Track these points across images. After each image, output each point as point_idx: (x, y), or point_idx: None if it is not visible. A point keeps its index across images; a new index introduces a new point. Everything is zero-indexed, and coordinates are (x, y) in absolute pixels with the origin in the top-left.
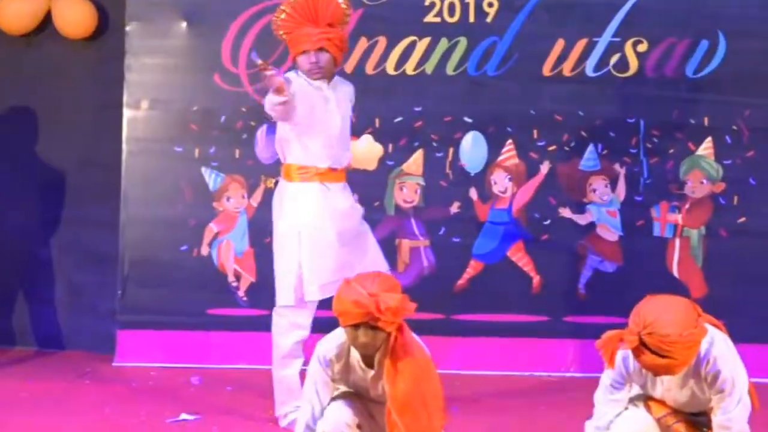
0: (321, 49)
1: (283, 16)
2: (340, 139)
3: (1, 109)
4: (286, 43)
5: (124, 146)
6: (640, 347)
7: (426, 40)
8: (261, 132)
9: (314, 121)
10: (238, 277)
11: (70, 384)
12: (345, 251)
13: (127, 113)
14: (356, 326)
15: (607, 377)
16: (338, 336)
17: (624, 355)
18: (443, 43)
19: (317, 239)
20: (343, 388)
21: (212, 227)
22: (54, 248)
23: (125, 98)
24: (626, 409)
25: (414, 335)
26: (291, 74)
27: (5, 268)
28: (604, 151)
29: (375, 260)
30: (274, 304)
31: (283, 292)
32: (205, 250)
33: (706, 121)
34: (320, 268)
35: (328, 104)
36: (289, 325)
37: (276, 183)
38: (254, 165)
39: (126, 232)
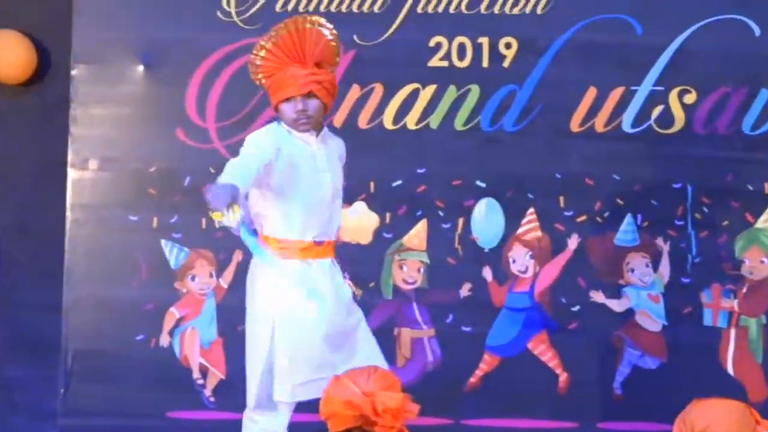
0: (309, 94)
1: (263, 53)
2: (329, 205)
3: None
4: (266, 88)
5: (69, 213)
6: None
7: (431, 88)
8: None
9: (298, 184)
10: (204, 373)
11: None
12: (330, 343)
13: (72, 174)
14: None
15: None
16: None
17: None
18: (451, 92)
19: (294, 328)
20: None
21: (174, 312)
22: None
23: (70, 156)
24: None
25: None
26: (272, 126)
27: None
28: (645, 223)
29: (369, 355)
30: (245, 406)
31: (253, 392)
32: (165, 340)
33: (766, 187)
34: (297, 363)
35: (316, 162)
36: None
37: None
38: (224, 237)
39: (70, 317)
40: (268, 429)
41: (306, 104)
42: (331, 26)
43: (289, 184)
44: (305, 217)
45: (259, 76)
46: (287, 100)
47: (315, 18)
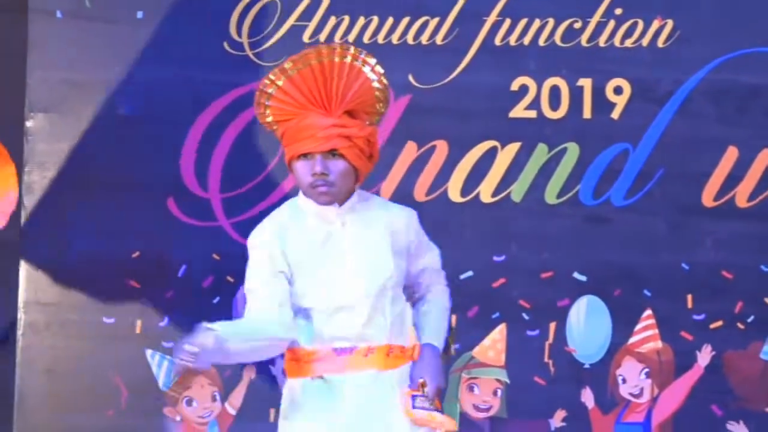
0: (333, 152)
1: (272, 90)
2: (366, 301)
3: None
4: (279, 136)
5: (22, 315)
6: None
7: (513, 147)
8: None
9: (316, 273)
10: None
11: None
12: None
13: (25, 265)
14: None
15: None
16: None
17: None
18: (541, 153)
19: None
20: None
21: None
22: None
23: (23, 239)
24: None
25: None
26: (273, 215)
27: None
28: None
29: None
30: None
31: None
32: None
33: None
34: None
35: (333, 243)
36: None
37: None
38: None
39: None
40: None
41: (326, 166)
42: (374, 61)
43: (305, 276)
44: (326, 318)
45: (269, 119)
46: (301, 156)
47: (351, 49)
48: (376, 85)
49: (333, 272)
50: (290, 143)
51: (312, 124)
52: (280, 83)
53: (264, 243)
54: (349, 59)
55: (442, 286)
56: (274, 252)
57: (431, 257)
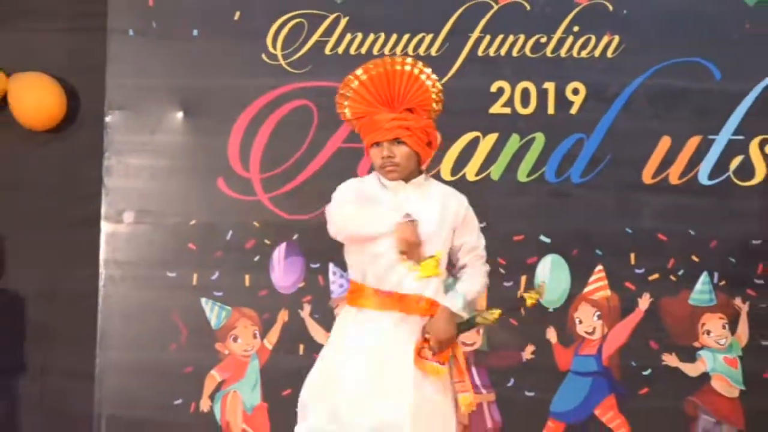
0: (398, 141)
1: (350, 94)
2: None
3: None
4: (356, 130)
5: (102, 271)
6: None
7: (492, 137)
8: (279, 252)
9: None
10: None
11: None
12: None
13: (105, 228)
14: None
15: None
16: None
17: None
18: (514, 141)
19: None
20: None
21: (215, 375)
22: (12, 404)
23: (104, 209)
24: None
25: None
26: (353, 181)
27: None
28: (722, 282)
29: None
30: None
31: None
32: (205, 405)
33: None
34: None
35: (402, 210)
36: None
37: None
38: (269, 295)
39: (103, 383)
40: None
41: (392, 150)
42: (430, 71)
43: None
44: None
45: (348, 116)
46: (374, 145)
47: (411, 60)
48: (431, 87)
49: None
50: (365, 135)
51: (380, 119)
52: (355, 87)
53: (350, 191)
54: (408, 68)
55: (480, 269)
56: (365, 195)
57: (473, 239)
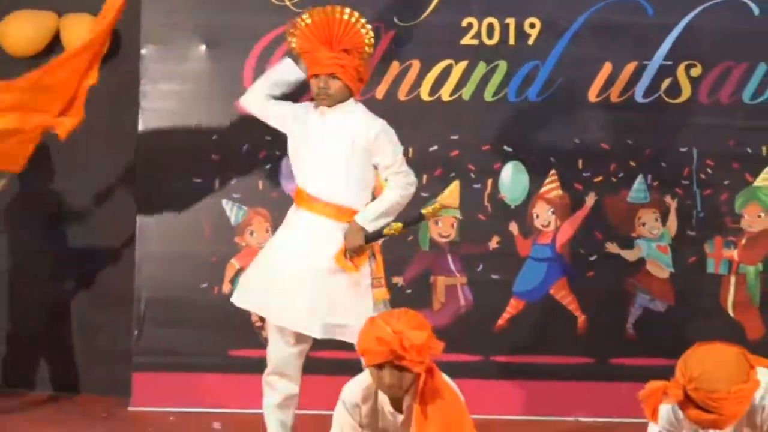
0: (332, 75)
1: (297, 33)
2: (330, 169)
3: None
4: (302, 61)
5: (139, 177)
6: (686, 401)
7: (463, 64)
8: (286, 161)
9: (301, 141)
10: (262, 317)
11: (86, 430)
12: (273, 277)
13: (141, 144)
14: (381, 366)
15: (655, 427)
16: (365, 379)
17: (673, 404)
18: (481, 67)
19: (262, 253)
20: None
21: (234, 263)
22: (68, 287)
23: (140, 126)
24: None
25: (447, 378)
26: (309, 103)
27: (21, 309)
28: (654, 183)
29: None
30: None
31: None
32: (226, 288)
33: (764, 150)
34: (248, 276)
35: (322, 130)
36: None
37: None
38: (279, 197)
39: (142, 270)
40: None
41: (327, 83)
42: (365, 20)
43: (300, 142)
44: (307, 173)
45: (295, 48)
46: (314, 76)
47: (349, 11)
48: (365, 35)
49: (315, 146)
50: (309, 66)
51: (320, 56)
52: (302, 25)
53: (290, 109)
54: (346, 17)
55: (398, 184)
56: (290, 107)
57: (387, 158)
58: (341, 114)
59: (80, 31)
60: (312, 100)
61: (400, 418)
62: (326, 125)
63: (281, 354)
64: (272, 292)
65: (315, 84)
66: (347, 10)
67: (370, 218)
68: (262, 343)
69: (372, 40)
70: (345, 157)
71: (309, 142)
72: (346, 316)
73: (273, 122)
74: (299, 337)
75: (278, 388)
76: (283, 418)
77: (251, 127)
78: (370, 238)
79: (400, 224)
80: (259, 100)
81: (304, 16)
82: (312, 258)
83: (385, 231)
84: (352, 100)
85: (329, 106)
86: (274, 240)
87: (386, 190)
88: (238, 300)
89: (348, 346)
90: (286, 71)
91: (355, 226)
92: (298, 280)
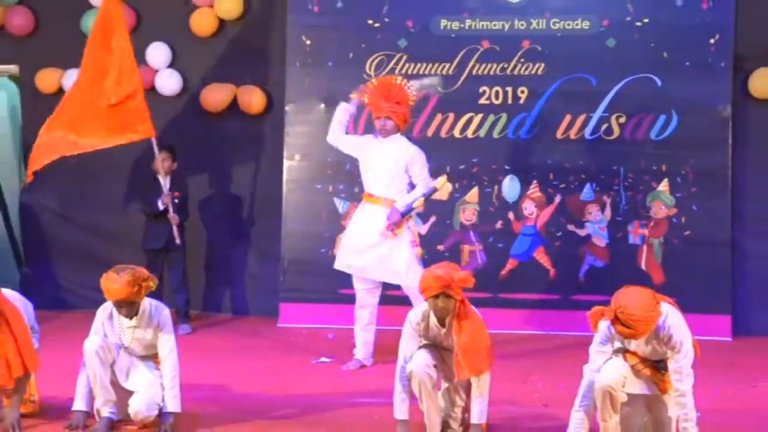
0: (388, 117)
1: (368, 91)
2: (383, 177)
3: (211, 161)
4: (370, 108)
5: (284, 185)
6: (615, 320)
7: (480, 115)
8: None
9: (366, 161)
10: None
11: (251, 338)
12: (357, 245)
13: (286, 163)
14: (436, 296)
15: (597, 336)
16: (422, 307)
17: (608, 322)
18: (491, 117)
19: (345, 233)
20: (424, 342)
21: (341, 237)
22: (241, 251)
23: (285, 153)
24: (611, 358)
25: (472, 306)
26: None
27: (211, 262)
28: (597, 188)
29: (395, 267)
30: (384, 287)
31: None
32: (336, 252)
33: (664, 167)
34: (343, 249)
35: (380, 154)
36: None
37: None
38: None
39: (285, 241)
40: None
41: (385, 122)
42: (411, 85)
43: (364, 160)
44: (368, 180)
45: (366, 100)
46: (377, 118)
47: (401, 79)
48: (409, 93)
49: (374, 163)
50: (373, 111)
51: (381, 105)
52: (371, 86)
53: (359, 140)
54: (398, 82)
55: (421, 185)
56: (362, 141)
57: (416, 171)
58: (391, 142)
59: (250, 95)
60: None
61: (443, 330)
62: (382, 150)
63: (361, 293)
64: (353, 255)
65: (378, 122)
66: (399, 78)
67: (404, 203)
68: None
69: (414, 97)
70: (392, 169)
71: (371, 161)
72: (396, 263)
73: (347, 150)
74: (367, 280)
75: (361, 318)
76: (364, 335)
77: (348, 155)
78: (404, 214)
79: (422, 200)
80: (336, 137)
81: (373, 81)
82: (373, 230)
83: (414, 205)
84: (398, 133)
85: (385, 137)
86: (351, 224)
87: (416, 188)
88: (336, 265)
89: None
90: (341, 112)
91: (393, 210)
92: (367, 245)
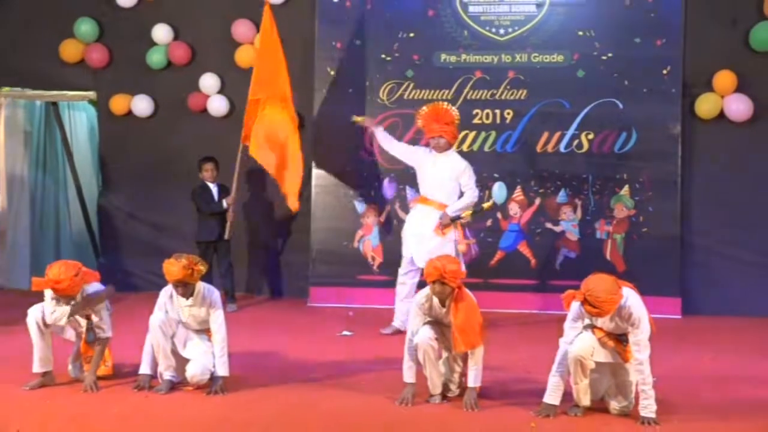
0: (440, 136)
1: (420, 115)
2: (438, 185)
3: (253, 170)
4: (424, 129)
5: (313, 189)
6: (585, 302)
7: (474, 133)
8: (388, 181)
9: (423, 171)
10: (373, 259)
11: (286, 316)
12: (412, 238)
13: (314, 172)
14: (434, 282)
15: (570, 314)
16: (426, 290)
17: (579, 303)
18: (483, 134)
19: (405, 228)
20: (428, 318)
21: (360, 232)
22: (277, 243)
23: (313, 164)
24: (581, 332)
25: (467, 290)
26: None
27: (253, 252)
28: (570, 193)
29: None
30: (395, 274)
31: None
32: (356, 245)
33: (625, 176)
34: (410, 249)
35: (434, 166)
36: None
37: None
38: (380, 198)
39: (314, 235)
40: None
41: (438, 141)
42: (457, 113)
43: (420, 170)
44: (423, 186)
45: (420, 123)
46: (432, 137)
47: (447, 104)
48: (455, 115)
49: (430, 174)
50: (426, 133)
51: (433, 126)
52: (423, 112)
53: (416, 151)
54: (446, 107)
55: (468, 193)
56: (419, 153)
57: (465, 180)
58: (445, 157)
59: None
60: (427, 145)
61: (443, 310)
62: (436, 162)
63: (404, 275)
64: (412, 245)
65: (432, 141)
66: (445, 103)
67: (454, 209)
68: (373, 272)
69: (459, 119)
70: (446, 180)
71: (428, 173)
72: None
73: (400, 157)
74: (412, 264)
75: (400, 292)
76: (401, 306)
77: (369, 167)
78: (453, 219)
79: (469, 212)
80: (388, 147)
81: (424, 107)
82: (426, 229)
83: (462, 215)
84: (452, 149)
85: (438, 153)
86: (407, 223)
87: (464, 196)
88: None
89: None
90: (378, 135)
91: (444, 213)
92: (420, 239)
